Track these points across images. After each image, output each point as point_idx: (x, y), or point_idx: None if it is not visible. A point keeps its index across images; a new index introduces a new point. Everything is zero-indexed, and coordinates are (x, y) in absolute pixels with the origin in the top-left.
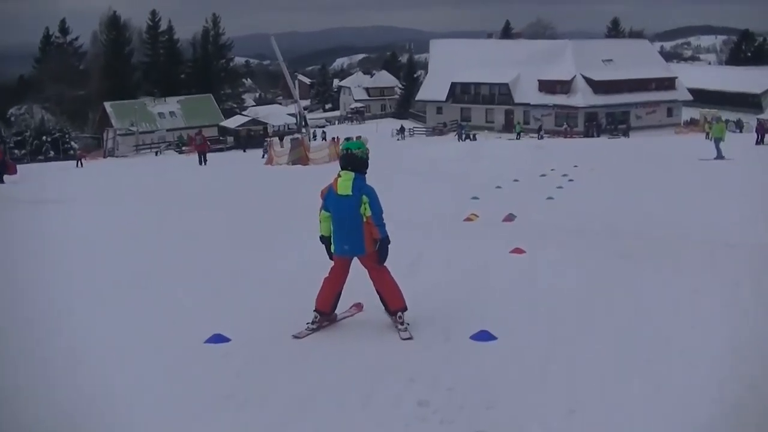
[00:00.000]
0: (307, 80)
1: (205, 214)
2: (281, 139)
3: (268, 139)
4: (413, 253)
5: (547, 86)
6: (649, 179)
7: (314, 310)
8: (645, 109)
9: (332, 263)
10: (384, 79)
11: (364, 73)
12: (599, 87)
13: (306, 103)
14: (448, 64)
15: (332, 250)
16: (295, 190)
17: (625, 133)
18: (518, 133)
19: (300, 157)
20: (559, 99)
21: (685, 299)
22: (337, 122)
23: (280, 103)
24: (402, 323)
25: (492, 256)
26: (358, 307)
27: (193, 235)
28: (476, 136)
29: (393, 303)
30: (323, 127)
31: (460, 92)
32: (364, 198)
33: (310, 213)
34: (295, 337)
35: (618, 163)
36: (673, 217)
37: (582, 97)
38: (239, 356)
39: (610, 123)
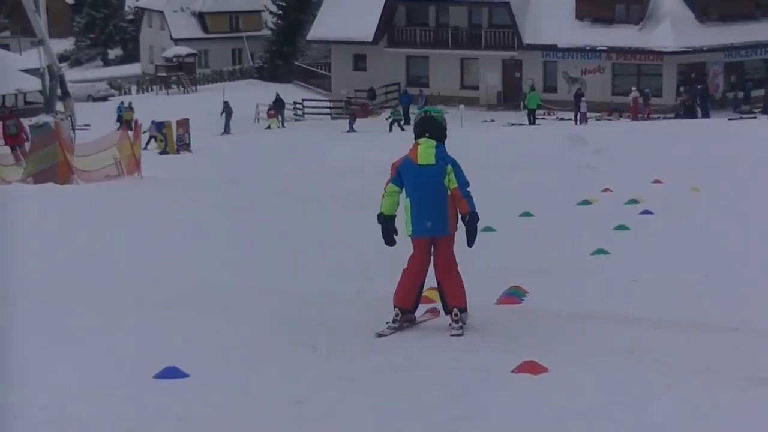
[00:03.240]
0: None
1: None
2: (6, 126)
3: None
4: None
5: (595, 7)
6: None
7: (394, 307)
8: None
9: (389, 248)
10: None
11: None
12: (710, 6)
13: (64, 45)
14: None
15: (409, 232)
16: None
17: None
18: (531, 111)
19: (53, 165)
20: (622, 36)
21: None
22: (135, 89)
23: (6, 46)
24: (458, 321)
25: (476, 378)
26: (434, 312)
27: None
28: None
29: (454, 299)
30: (106, 94)
31: (406, 23)
32: (449, 168)
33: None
34: (379, 335)
35: (752, 176)
36: None
37: (672, 31)
38: None
39: (734, 86)
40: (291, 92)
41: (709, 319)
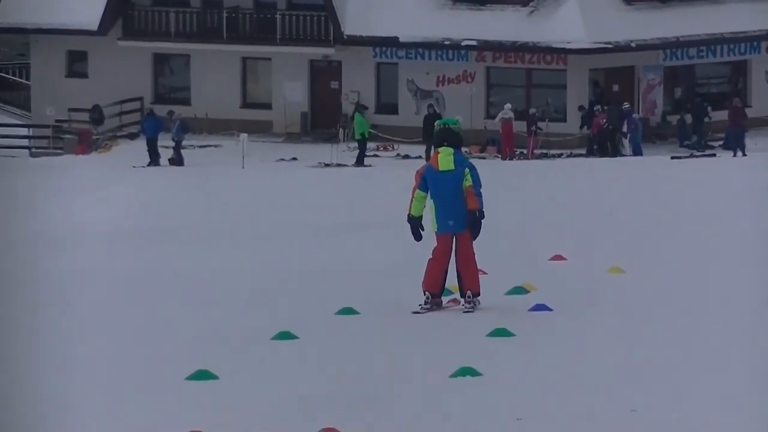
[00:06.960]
0: None
1: None
2: None
3: None
4: None
5: None
6: None
7: (425, 291)
8: None
9: (418, 243)
10: None
11: None
12: None
13: None
14: None
15: (435, 229)
16: None
17: (734, 143)
18: (360, 143)
19: None
20: (502, 24)
21: None
22: None
23: None
24: (470, 302)
25: None
26: (455, 302)
27: None
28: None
29: (470, 285)
30: None
31: (153, 3)
32: (466, 171)
33: None
34: (415, 312)
35: (706, 248)
36: None
37: (582, 17)
38: None
39: (680, 105)
40: None
41: None
